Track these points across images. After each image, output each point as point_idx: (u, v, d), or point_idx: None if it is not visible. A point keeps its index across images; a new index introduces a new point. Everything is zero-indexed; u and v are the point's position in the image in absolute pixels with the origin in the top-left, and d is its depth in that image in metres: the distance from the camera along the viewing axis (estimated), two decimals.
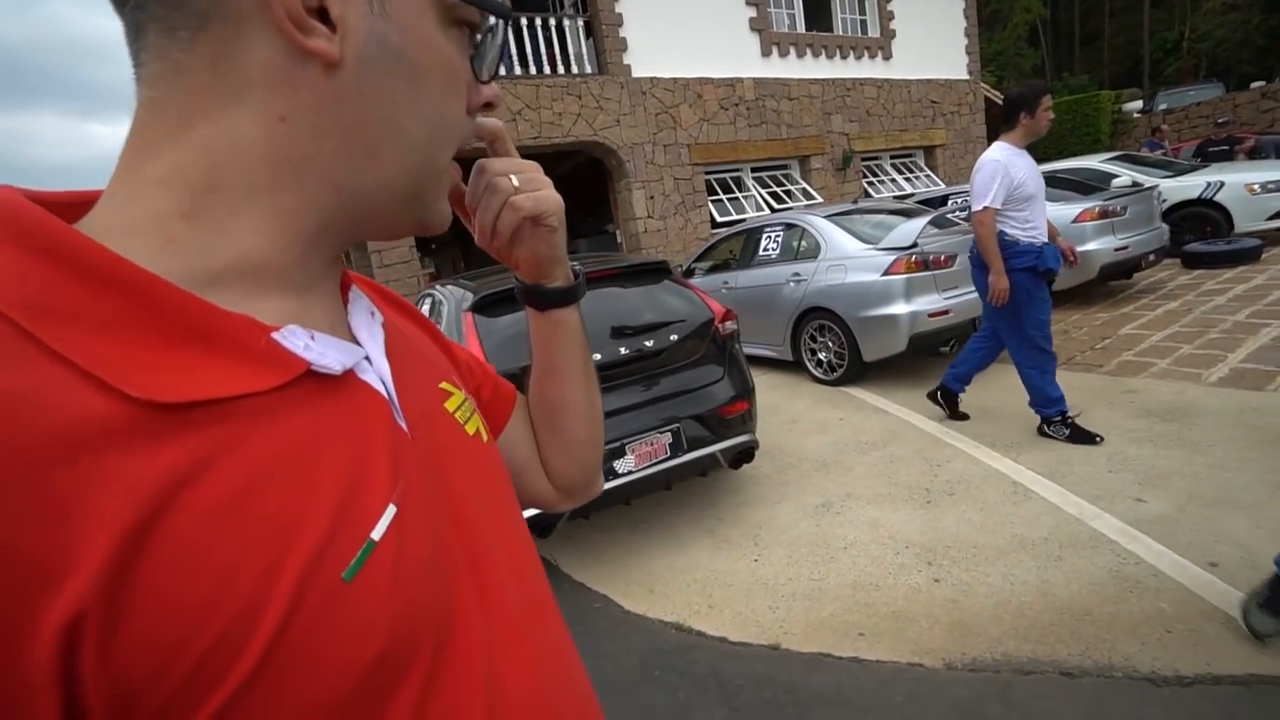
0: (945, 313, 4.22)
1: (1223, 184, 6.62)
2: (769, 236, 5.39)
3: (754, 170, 10.03)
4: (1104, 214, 5.31)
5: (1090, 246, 5.24)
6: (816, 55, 10.20)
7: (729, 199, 9.60)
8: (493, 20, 0.41)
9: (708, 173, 9.55)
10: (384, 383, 0.40)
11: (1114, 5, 29.87)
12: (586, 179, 10.26)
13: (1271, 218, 6.41)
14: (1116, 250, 5.29)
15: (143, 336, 0.29)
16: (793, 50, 9.94)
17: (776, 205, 9.63)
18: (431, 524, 0.38)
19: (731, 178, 9.86)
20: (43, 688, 0.24)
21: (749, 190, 9.84)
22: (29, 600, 0.24)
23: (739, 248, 5.83)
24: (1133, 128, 15.39)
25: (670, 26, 8.82)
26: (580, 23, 8.40)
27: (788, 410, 4.44)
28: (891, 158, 11.59)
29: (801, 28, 10.22)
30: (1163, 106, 15.68)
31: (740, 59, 9.48)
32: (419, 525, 0.37)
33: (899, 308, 4.22)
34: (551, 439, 0.64)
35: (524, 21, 7.97)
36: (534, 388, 0.63)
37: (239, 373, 0.31)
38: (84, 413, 0.27)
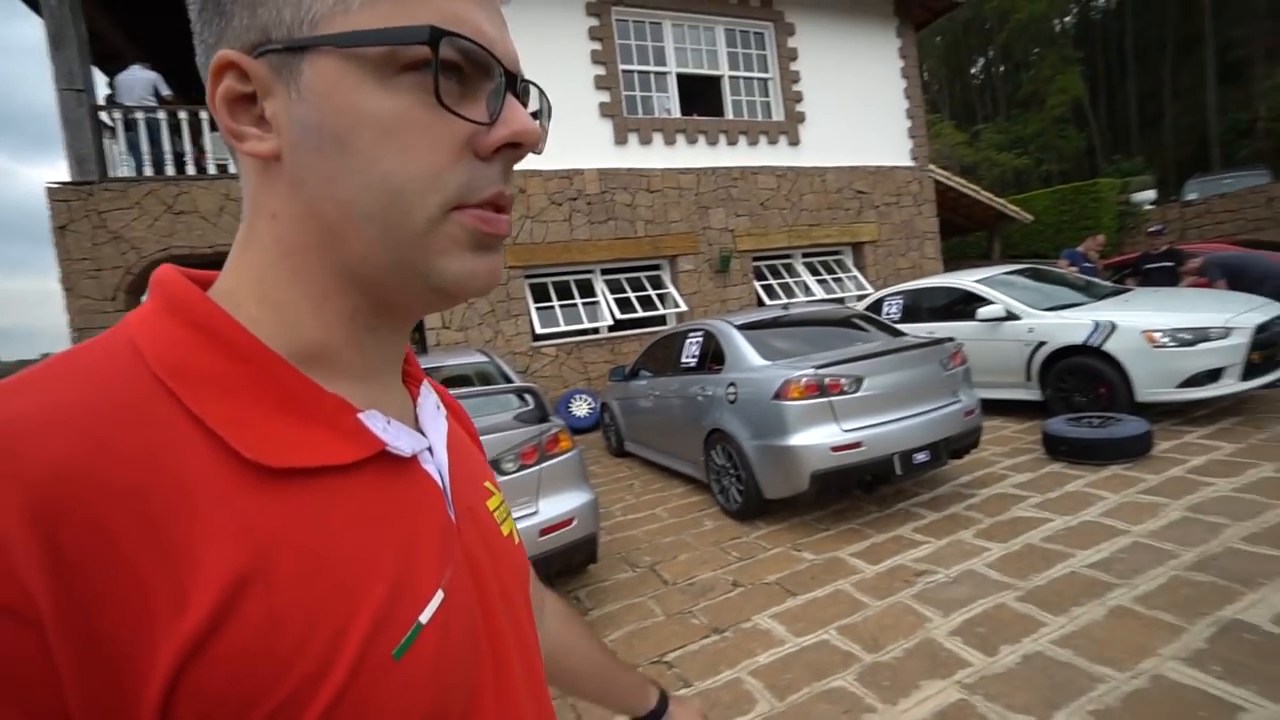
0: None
1: (1114, 327, 4.45)
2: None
3: (606, 273, 8.54)
4: (817, 388, 3.40)
5: (792, 440, 3.33)
6: (693, 142, 8.78)
7: (565, 306, 8.11)
8: (453, 54, 0.36)
9: (535, 276, 8.15)
10: (440, 474, 0.42)
11: (1179, 85, 26.66)
12: None
13: (1185, 383, 4.17)
14: (839, 449, 3.33)
15: (257, 403, 0.33)
16: (658, 137, 8.58)
17: (620, 314, 8.05)
18: (469, 613, 0.40)
19: (577, 281, 8.39)
20: (148, 714, 0.26)
21: (596, 296, 8.32)
22: (154, 627, 0.26)
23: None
24: (1142, 221, 12.65)
25: None
26: None
27: None
28: (806, 256, 9.79)
29: (677, 112, 8.89)
30: (1192, 196, 12.93)
31: (585, 148, 8.18)
32: (460, 613, 0.38)
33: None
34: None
35: None
36: (570, 663, 0.68)
37: (328, 445, 0.35)
38: (208, 470, 0.30)
